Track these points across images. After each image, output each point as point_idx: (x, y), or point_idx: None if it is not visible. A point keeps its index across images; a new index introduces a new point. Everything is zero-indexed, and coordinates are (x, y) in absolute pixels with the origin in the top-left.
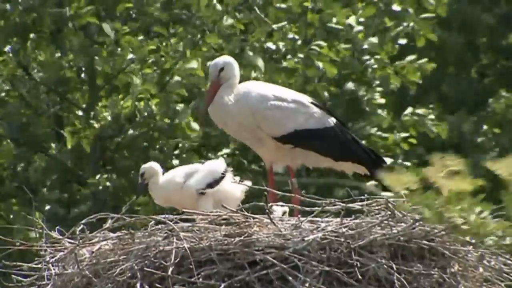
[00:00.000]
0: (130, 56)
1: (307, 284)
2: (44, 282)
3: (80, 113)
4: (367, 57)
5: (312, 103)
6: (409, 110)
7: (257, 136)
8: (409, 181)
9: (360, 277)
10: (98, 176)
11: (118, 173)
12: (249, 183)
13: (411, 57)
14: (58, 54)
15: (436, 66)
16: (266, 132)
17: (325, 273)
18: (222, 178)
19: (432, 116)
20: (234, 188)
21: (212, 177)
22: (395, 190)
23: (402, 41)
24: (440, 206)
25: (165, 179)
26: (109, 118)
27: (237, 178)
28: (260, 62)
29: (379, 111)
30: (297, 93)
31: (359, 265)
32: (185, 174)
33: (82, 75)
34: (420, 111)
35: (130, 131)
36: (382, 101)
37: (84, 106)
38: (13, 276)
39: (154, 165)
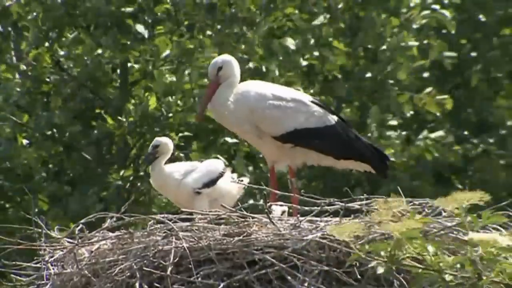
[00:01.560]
0: (164, 54)
1: (306, 284)
2: (43, 282)
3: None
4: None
5: (312, 101)
6: (424, 133)
7: (257, 135)
8: (355, 229)
9: (359, 276)
10: (122, 172)
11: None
12: (247, 181)
13: (429, 89)
14: (98, 51)
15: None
16: (265, 131)
17: (324, 272)
18: (219, 177)
19: (450, 139)
20: (231, 186)
21: (209, 177)
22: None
23: (426, 74)
24: (392, 249)
25: (167, 170)
26: (136, 116)
27: (235, 177)
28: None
29: (391, 133)
30: (297, 92)
31: (358, 264)
32: (184, 172)
33: (118, 71)
34: (434, 135)
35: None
36: (395, 122)
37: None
38: (12, 275)
39: (169, 143)
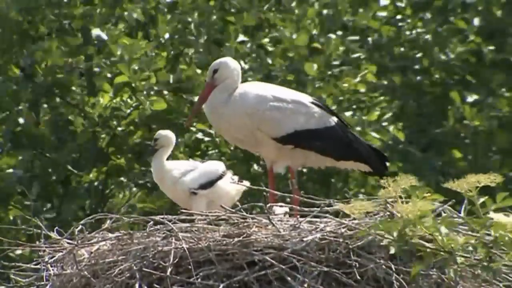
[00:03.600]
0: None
1: (305, 285)
2: (43, 283)
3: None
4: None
5: (312, 103)
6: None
7: (254, 138)
8: (365, 207)
9: (358, 277)
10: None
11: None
12: (247, 183)
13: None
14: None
15: None
16: (265, 133)
17: (324, 273)
18: (218, 179)
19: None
20: (229, 189)
21: (207, 178)
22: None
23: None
24: (403, 229)
25: (167, 166)
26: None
27: (236, 178)
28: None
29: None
30: (297, 93)
31: (357, 265)
32: (183, 170)
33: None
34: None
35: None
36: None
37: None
38: (12, 276)
39: (170, 135)
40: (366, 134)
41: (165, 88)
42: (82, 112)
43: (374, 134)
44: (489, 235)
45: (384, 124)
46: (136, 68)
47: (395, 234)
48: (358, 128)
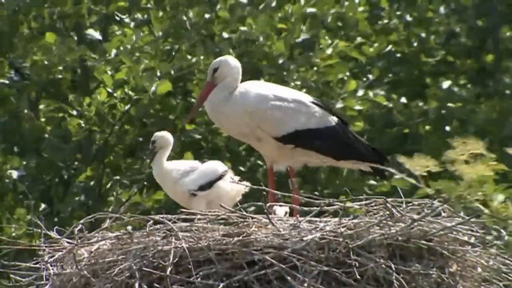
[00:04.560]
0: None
1: (305, 284)
2: (42, 282)
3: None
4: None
5: (313, 102)
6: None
7: (255, 136)
8: (429, 165)
9: (358, 277)
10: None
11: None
12: (247, 182)
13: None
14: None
15: None
16: (266, 132)
17: (324, 273)
18: (217, 180)
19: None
20: (229, 189)
21: (206, 179)
22: (415, 173)
23: None
24: (462, 191)
25: (167, 167)
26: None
27: (236, 178)
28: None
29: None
30: (298, 92)
31: (357, 265)
32: (183, 171)
33: (78, 71)
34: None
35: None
36: None
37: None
38: (11, 276)
39: (166, 135)
40: (350, 109)
41: (166, 78)
42: (78, 111)
43: (358, 107)
44: None
45: (360, 93)
46: (138, 55)
47: (454, 195)
48: (340, 105)
